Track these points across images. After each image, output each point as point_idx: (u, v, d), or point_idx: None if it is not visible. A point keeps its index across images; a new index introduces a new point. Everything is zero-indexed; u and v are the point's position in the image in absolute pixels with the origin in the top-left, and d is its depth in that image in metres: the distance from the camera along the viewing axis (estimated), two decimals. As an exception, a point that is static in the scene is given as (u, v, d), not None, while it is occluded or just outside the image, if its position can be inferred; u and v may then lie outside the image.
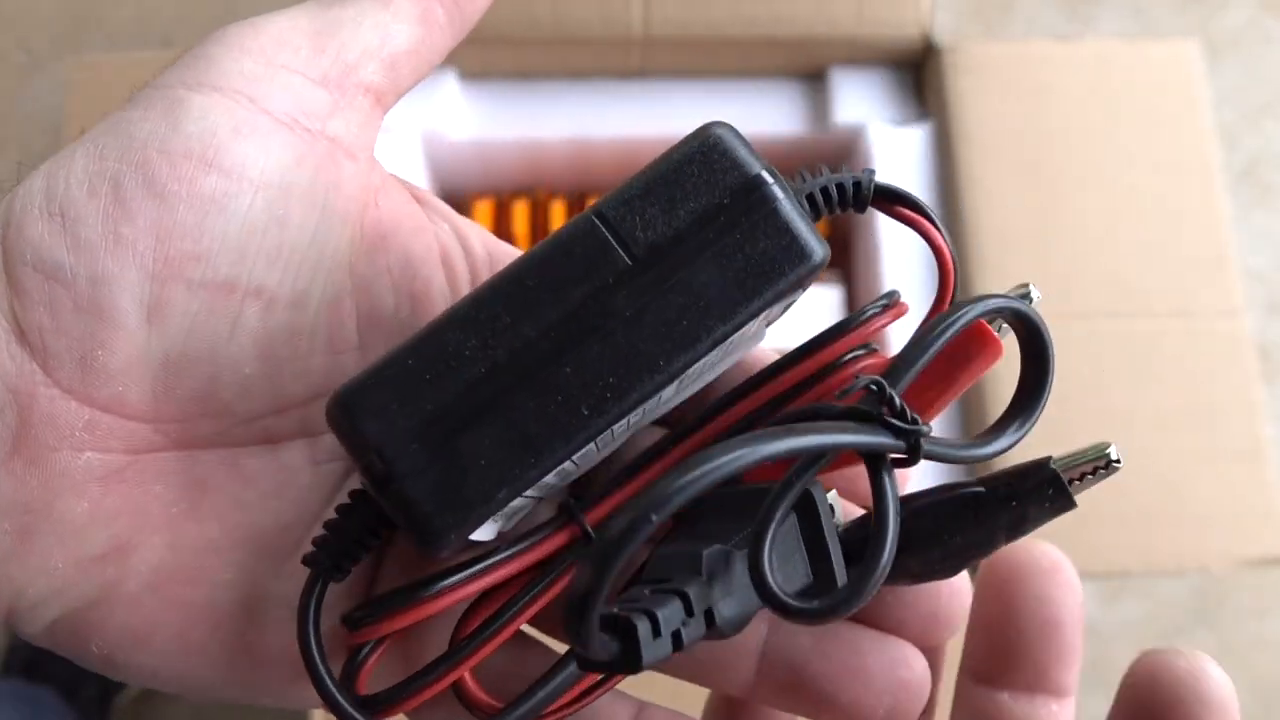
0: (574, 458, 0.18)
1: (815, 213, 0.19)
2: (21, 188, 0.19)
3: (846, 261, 0.68)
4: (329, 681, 0.19)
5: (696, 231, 0.18)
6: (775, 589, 0.16)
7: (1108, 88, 0.62)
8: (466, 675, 0.20)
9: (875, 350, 0.20)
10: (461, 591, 0.19)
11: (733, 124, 0.19)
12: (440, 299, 0.21)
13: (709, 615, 0.17)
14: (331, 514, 0.20)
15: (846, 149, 0.67)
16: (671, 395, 0.20)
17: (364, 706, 0.19)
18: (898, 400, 0.17)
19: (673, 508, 0.14)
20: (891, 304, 0.20)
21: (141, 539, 0.19)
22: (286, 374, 0.20)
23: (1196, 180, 0.60)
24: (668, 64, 0.62)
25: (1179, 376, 0.57)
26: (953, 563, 0.19)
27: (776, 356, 0.21)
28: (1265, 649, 0.87)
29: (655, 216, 0.18)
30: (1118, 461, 0.19)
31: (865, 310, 0.20)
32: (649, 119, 0.62)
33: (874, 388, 0.17)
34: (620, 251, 0.18)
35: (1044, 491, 0.18)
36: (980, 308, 0.18)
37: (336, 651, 0.20)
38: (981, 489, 0.19)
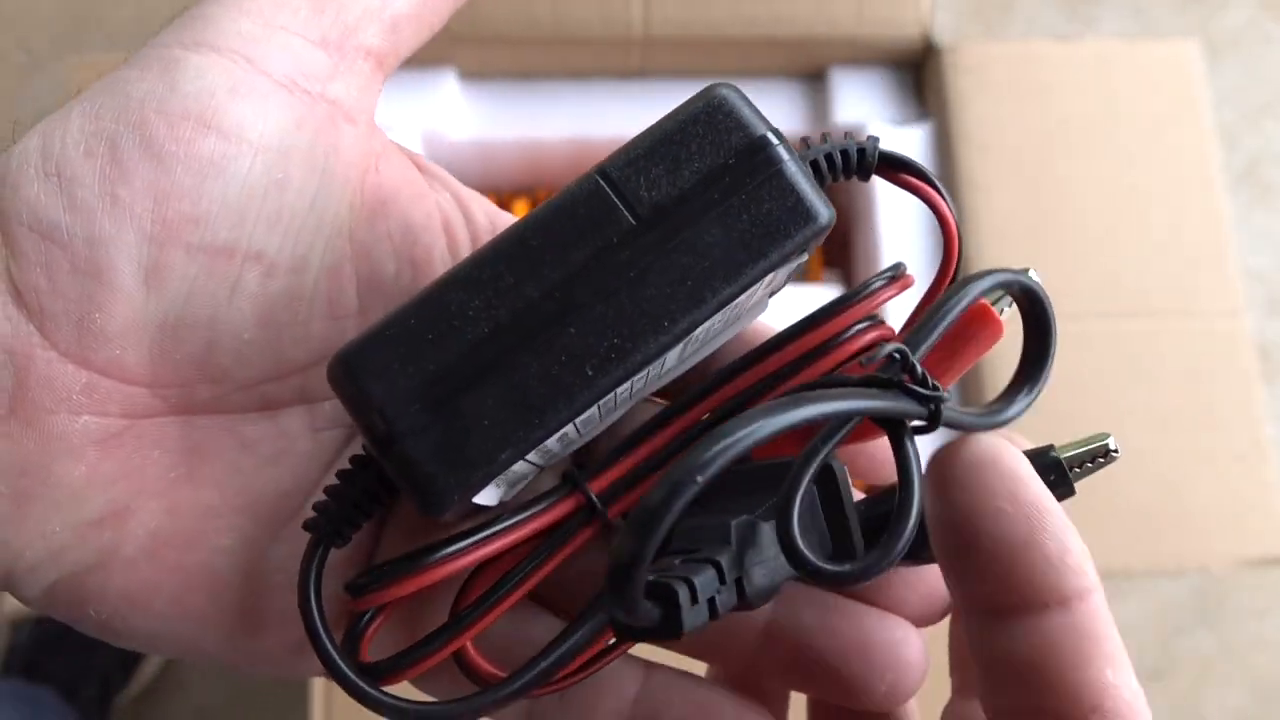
0: (577, 422, 0.18)
1: (820, 179, 0.19)
2: (17, 147, 0.19)
3: (846, 260, 0.68)
4: (330, 648, 0.19)
5: (701, 192, 0.18)
6: (805, 553, 0.16)
7: (1108, 88, 0.62)
8: (469, 644, 0.20)
9: (881, 322, 0.20)
10: (465, 559, 0.19)
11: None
12: (441, 265, 0.21)
13: (739, 585, 0.17)
14: (332, 479, 0.20)
15: (846, 149, 0.67)
16: (674, 363, 0.19)
17: (365, 673, 0.19)
18: (919, 367, 0.17)
19: (716, 470, 0.14)
20: (897, 276, 0.20)
21: (139, 504, 0.19)
22: (286, 339, 0.20)
23: (1196, 180, 0.60)
24: (668, 64, 0.62)
25: (1179, 376, 0.57)
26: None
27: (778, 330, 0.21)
28: (1265, 649, 0.87)
29: (660, 176, 0.18)
30: (1116, 451, 0.19)
31: (871, 282, 0.20)
32: (649, 119, 0.62)
33: (896, 355, 0.17)
34: (624, 211, 0.18)
35: (1045, 478, 0.18)
36: (990, 280, 0.18)
37: (338, 620, 0.20)
38: None
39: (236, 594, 0.20)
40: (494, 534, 0.19)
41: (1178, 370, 0.57)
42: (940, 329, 0.17)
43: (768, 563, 0.18)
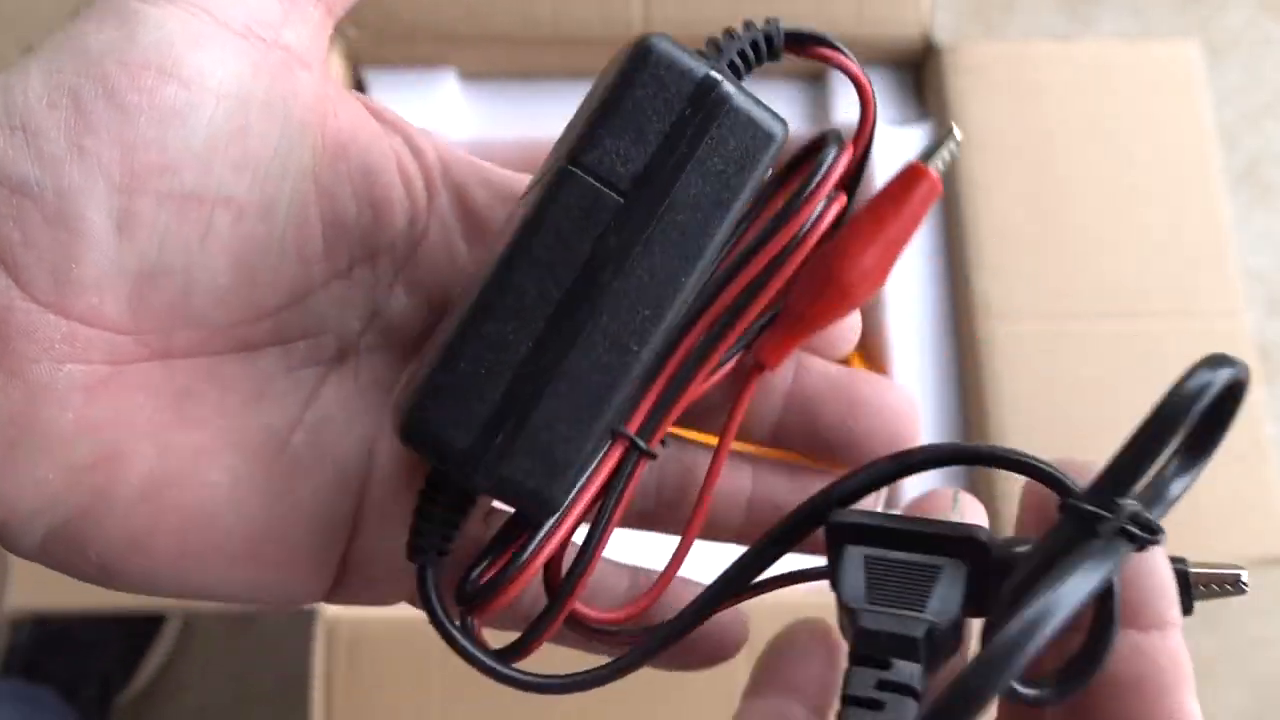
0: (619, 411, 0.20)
1: (739, 76, 0.20)
2: None
3: (846, 261, 0.68)
4: (485, 659, 0.20)
5: (671, 150, 0.19)
6: (1023, 692, 0.17)
7: (1108, 88, 0.62)
8: (579, 605, 0.21)
9: (840, 190, 0.21)
10: (553, 542, 0.20)
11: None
12: (399, 206, 0.22)
13: (917, 695, 0.18)
14: (417, 505, 0.21)
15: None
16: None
17: (499, 658, 0.21)
18: (1146, 514, 0.18)
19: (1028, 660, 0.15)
20: (840, 151, 0.21)
21: (130, 447, 0.20)
22: (259, 283, 0.21)
23: (1196, 180, 0.60)
24: (668, 64, 0.62)
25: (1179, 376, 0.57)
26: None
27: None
28: (1265, 649, 0.87)
29: (628, 148, 0.19)
30: (1246, 585, 0.20)
31: (819, 165, 0.21)
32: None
33: (1136, 515, 0.17)
34: (609, 192, 0.19)
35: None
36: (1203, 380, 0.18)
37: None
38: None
39: (230, 527, 0.20)
40: (566, 509, 0.20)
41: (1178, 370, 0.57)
42: (1155, 457, 0.18)
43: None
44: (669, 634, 0.22)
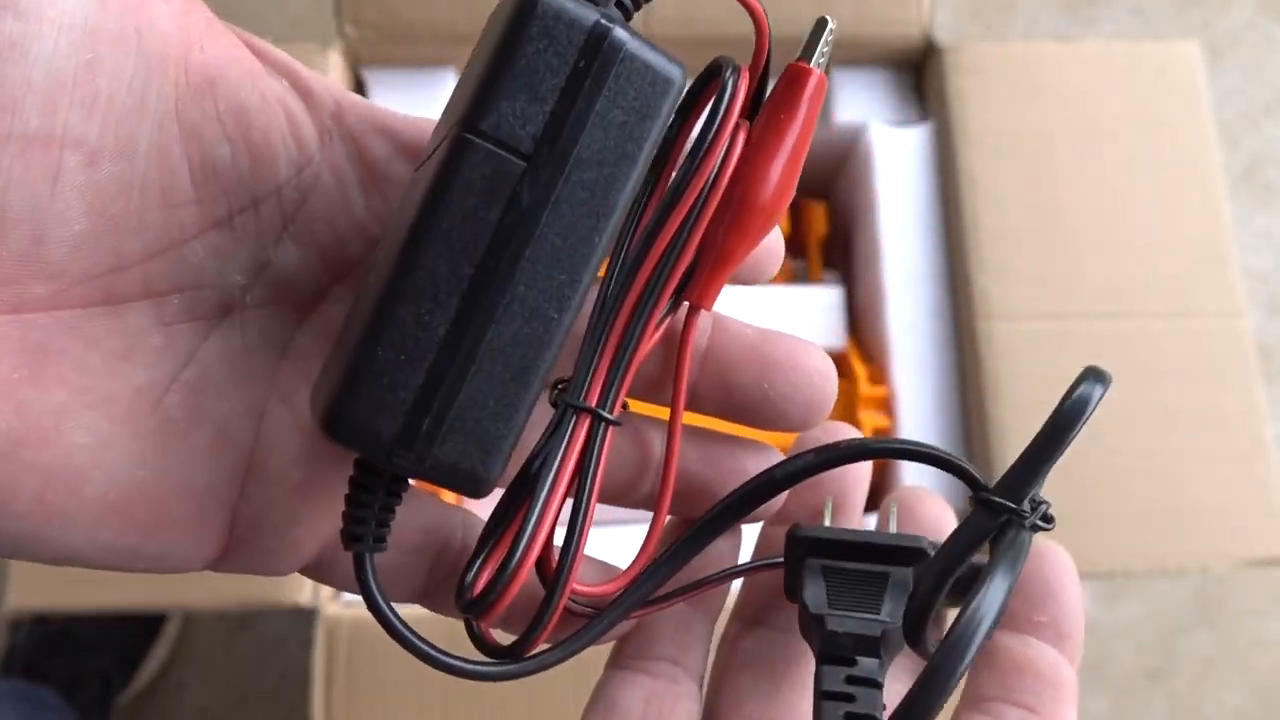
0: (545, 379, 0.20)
1: (629, 18, 0.20)
2: None
3: (847, 261, 0.68)
4: (428, 649, 0.20)
5: (569, 106, 0.18)
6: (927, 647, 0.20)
7: (1108, 88, 0.62)
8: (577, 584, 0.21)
9: (741, 120, 0.20)
10: (542, 532, 0.20)
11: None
12: (283, 149, 0.21)
13: (880, 685, 0.21)
14: (349, 494, 0.20)
15: (847, 149, 0.67)
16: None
17: (497, 655, 0.21)
18: (1045, 508, 0.20)
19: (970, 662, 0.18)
20: (738, 78, 0.20)
21: None
22: (121, 230, 0.20)
23: (1196, 181, 0.60)
24: (668, 64, 0.62)
25: (1179, 377, 0.57)
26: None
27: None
28: (1265, 649, 0.87)
29: (524, 108, 0.18)
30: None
31: (720, 97, 0.20)
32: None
33: (1046, 513, 0.20)
34: (510, 156, 0.18)
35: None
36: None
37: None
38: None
39: (98, 490, 0.20)
40: (547, 495, 0.20)
41: (1178, 371, 0.57)
42: (1050, 462, 0.20)
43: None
44: (608, 624, 0.22)
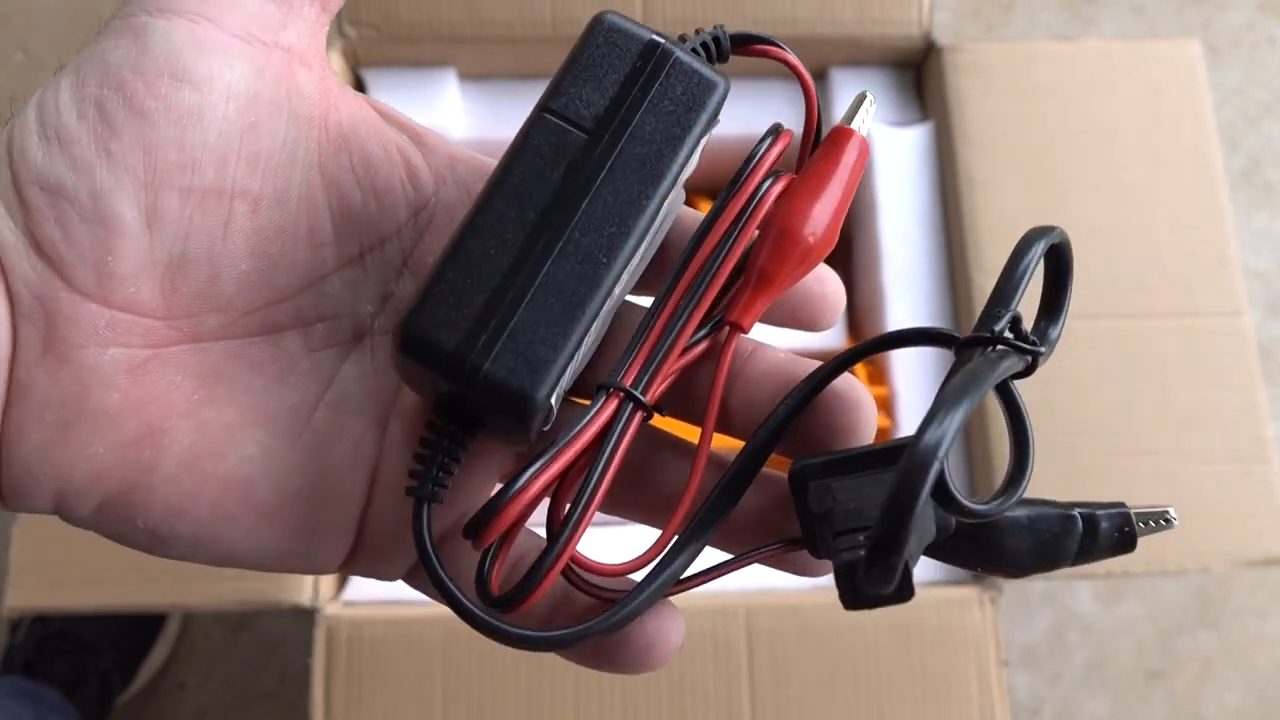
0: (593, 325, 0.22)
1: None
2: (18, 120, 0.21)
3: (848, 264, 0.68)
4: (459, 595, 0.22)
5: (626, 94, 0.22)
6: (960, 500, 0.20)
7: (1108, 88, 0.62)
8: (580, 554, 0.22)
9: (781, 174, 0.24)
10: (546, 475, 0.21)
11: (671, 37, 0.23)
12: (402, 194, 0.24)
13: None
14: (417, 448, 0.22)
15: (847, 149, 0.67)
16: (638, 261, 0.23)
17: (496, 605, 0.22)
18: (1025, 328, 0.22)
19: (945, 453, 0.17)
20: (778, 133, 0.24)
21: (170, 424, 0.22)
22: (277, 268, 0.23)
23: (1197, 180, 0.60)
24: (668, 64, 0.62)
25: (1180, 376, 0.57)
26: (1029, 559, 0.23)
27: (702, 215, 0.24)
28: (1265, 649, 0.87)
29: (590, 95, 0.22)
30: (1175, 519, 0.24)
31: (759, 146, 0.24)
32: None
33: (1012, 323, 0.21)
34: (575, 130, 0.22)
35: (1119, 528, 0.24)
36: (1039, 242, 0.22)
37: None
38: (1079, 512, 0.23)
39: (263, 497, 0.22)
40: (560, 449, 0.22)
41: (1179, 371, 0.57)
42: (1023, 285, 0.22)
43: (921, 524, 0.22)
44: (649, 594, 0.22)
